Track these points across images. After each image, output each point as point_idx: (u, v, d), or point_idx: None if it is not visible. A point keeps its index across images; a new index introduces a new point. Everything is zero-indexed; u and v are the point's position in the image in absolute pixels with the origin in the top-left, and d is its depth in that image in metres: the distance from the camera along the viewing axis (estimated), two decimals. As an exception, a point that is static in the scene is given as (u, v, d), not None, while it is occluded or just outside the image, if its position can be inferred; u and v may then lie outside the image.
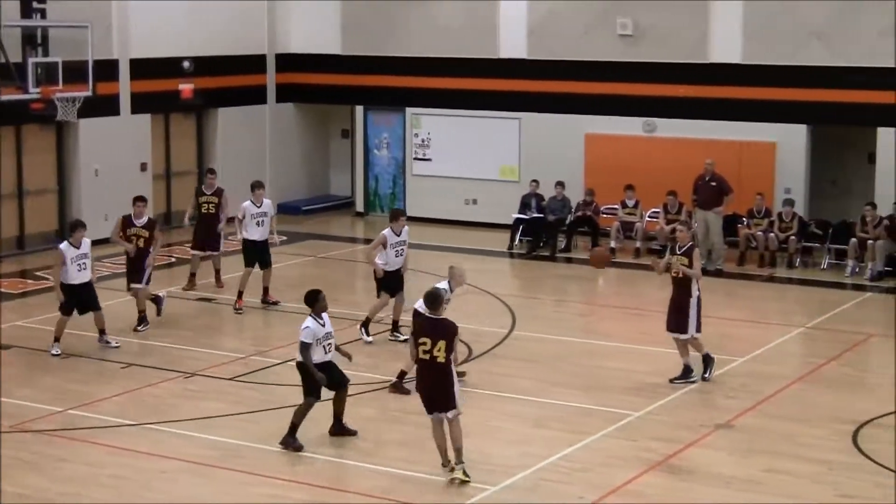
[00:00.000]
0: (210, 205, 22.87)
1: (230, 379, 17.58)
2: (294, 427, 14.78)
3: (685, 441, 15.05)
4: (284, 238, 23.90)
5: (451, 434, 13.67)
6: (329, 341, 14.82)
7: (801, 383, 17.60)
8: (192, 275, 22.98)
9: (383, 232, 19.17)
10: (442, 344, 13.44)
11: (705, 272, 24.40)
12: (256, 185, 22.00)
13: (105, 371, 18.04)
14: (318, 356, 14.69)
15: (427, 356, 13.52)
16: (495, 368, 18.22)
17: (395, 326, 19.56)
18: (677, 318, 17.35)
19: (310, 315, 14.78)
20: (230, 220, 22.87)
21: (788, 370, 18.34)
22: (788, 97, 26.33)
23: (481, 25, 29.47)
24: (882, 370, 18.61)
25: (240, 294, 21.54)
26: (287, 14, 31.77)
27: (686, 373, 17.37)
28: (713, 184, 25.18)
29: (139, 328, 19.99)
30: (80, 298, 18.84)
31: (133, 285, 20.33)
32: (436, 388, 13.61)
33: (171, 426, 15.58)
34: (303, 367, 14.74)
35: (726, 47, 26.99)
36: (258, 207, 21.68)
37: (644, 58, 27.75)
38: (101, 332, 19.25)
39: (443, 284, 16.67)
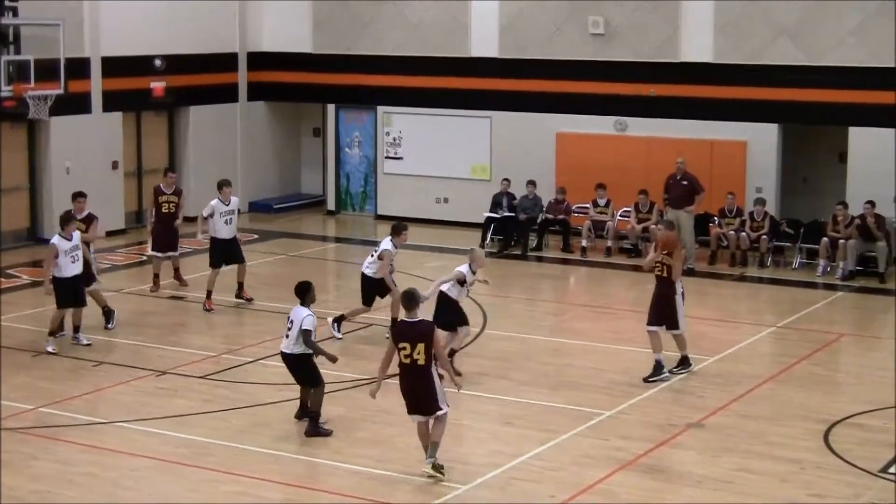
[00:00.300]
0: (170, 204, 22.54)
1: (201, 377, 17.54)
2: (317, 416, 15.22)
3: (656, 440, 15.09)
4: (255, 237, 23.78)
5: (432, 429, 13.72)
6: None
7: (773, 382, 17.66)
8: (156, 276, 22.73)
9: (387, 248, 19.19)
10: (421, 346, 13.40)
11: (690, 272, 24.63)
12: (224, 184, 21.98)
13: (76, 369, 17.98)
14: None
15: (408, 360, 13.49)
16: (466, 367, 18.18)
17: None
18: (662, 313, 17.46)
19: (302, 306, 15.11)
20: (190, 219, 22.85)
21: (760, 369, 18.40)
22: (759, 96, 26.44)
23: (453, 24, 29.49)
24: (853, 369, 18.74)
25: (209, 294, 21.48)
26: (258, 12, 31.72)
27: (658, 369, 17.44)
28: (684, 183, 25.25)
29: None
30: (74, 290, 18.84)
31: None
32: (419, 390, 13.59)
33: (142, 424, 15.55)
34: (304, 359, 15.13)
35: (697, 46, 27.09)
36: (226, 205, 21.68)
37: (615, 57, 27.82)
38: (76, 328, 19.21)
39: (463, 268, 17.66)
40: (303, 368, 15.24)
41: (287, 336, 15.17)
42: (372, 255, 19.43)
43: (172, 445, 14.80)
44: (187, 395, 16.81)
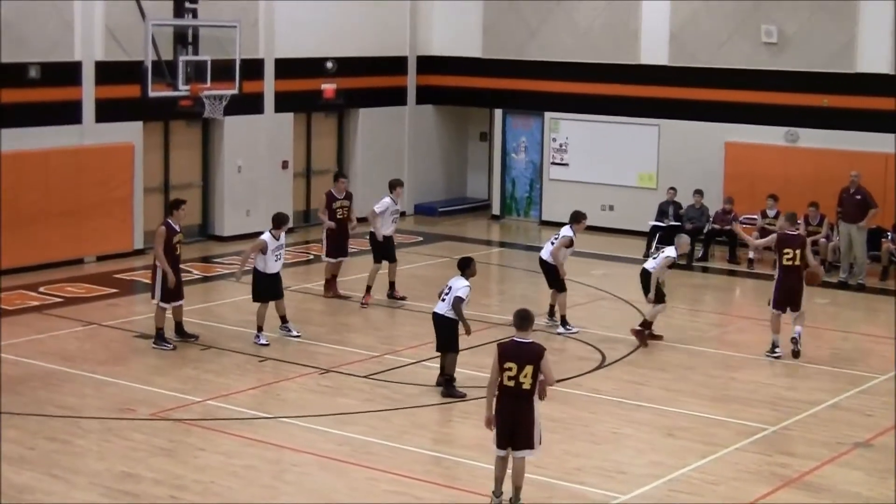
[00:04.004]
0: (343, 209, 22.42)
1: (364, 376, 17.75)
2: (452, 378, 16.85)
3: (821, 458, 14.81)
4: (420, 239, 23.93)
5: (516, 471, 12.79)
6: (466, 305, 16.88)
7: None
8: (328, 280, 22.57)
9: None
10: (529, 369, 12.43)
11: (847, 286, 24.14)
12: (398, 183, 22.52)
13: (243, 364, 18.34)
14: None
15: (512, 382, 12.50)
16: (627, 376, 18.14)
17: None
18: (794, 300, 18.91)
19: (461, 276, 16.84)
20: (361, 220, 23.13)
21: (930, 389, 17.95)
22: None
23: (622, 30, 29.35)
24: None
25: (368, 289, 21.84)
26: (429, 16, 31.99)
27: (774, 347, 18.97)
28: (858, 197, 24.73)
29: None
30: (273, 285, 19.43)
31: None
32: (518, 420, 12.59)
33: (305, 420, 15.80)
34: (452, 324, 16.74)
35: (874, 56, 26.48)
36: (396, 205, 22.18)
37: (788, 66, 27.38)
38: (283, 318, 19.74)
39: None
40: (447, 332, 16.84)
41: (443, 300, 16.87)
42: (552, 243, 20.53)
43: (334, 443, 15.00)
44: (350, 393, 17.03)
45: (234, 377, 17.67)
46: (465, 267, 17.01)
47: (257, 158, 28.03)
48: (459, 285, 16.79)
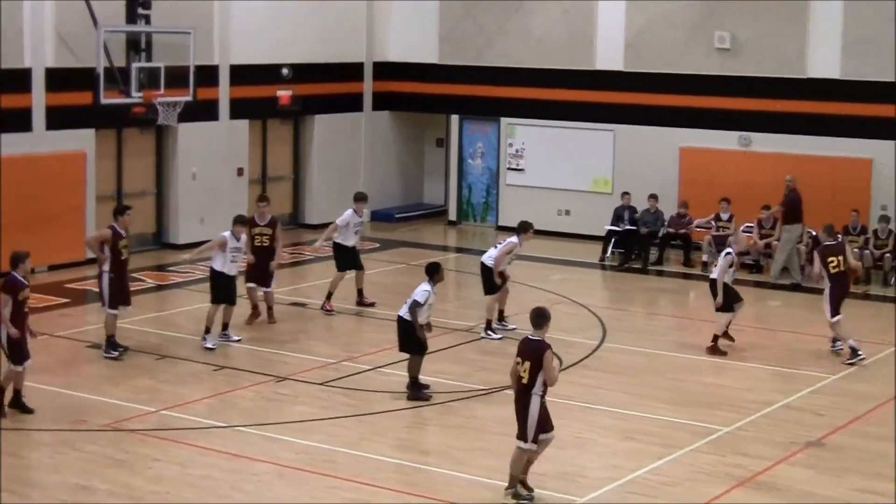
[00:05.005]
0: (264, 237, 20.79)
1: (321, 384, 17.73)
2: (415, 380, 16.94)
3: (774, 458, 14.93)
4: (377, 245, 23.95)
5: (513, 458, 13.40)
6: (430, 311, 17.07)
7: (895, 402, 17.36)
8: (254, 306, 21.08)
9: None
10: (528, 365, 13.14)
11: (799, 288, 24.35)
12: (361, 197, 22.43)
13: (198, 373, 18.28)
14: (421, 318, 16.80)
15: (518, 375, 13.31)
16: (585, 380, 18.20)
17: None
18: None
19: (428, 282, 17.01)
20: (292, 246, 22.97)
21: (882, 389, 18.10)
22: (886, 113, 26.03)
23: (578, 37, 29.46)
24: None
25: (329, 295, 21.82)
26: (385, 23, 31.99)
27: (855, 352, 19.32)
28: (791, 200, 25.07)
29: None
30: (228, 288, 19.44)
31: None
32: (517, 409, 13.33)
33: (262, 429, 15.76)
34: (407, 324, 16.83)
35: (824, 62, 26.75)
36: (359, 217, 22.17)
37: (741, 72, 27.58)
38: (226, 325, 19.73)
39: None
40: (405, 334, 16.99)
41: (406, 303, 16.99)
42: (495, 247, 20.69)
43: (292, 451, 14.97)
44: (307, 401, 17.00)
45: (190, 386, 17.60)
46: (434, 272, 17.24)
47: (212, 166, 27.94)
48: (419, 289, 17.00)
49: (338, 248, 22.18)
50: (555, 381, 13.28)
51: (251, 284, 20.80)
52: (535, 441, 13.25)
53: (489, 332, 20.34)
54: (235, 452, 14.90)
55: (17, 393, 16.17)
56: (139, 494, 13.54)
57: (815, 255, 20.28)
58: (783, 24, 27.06)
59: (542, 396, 13.22)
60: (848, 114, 26.40)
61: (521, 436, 13.28)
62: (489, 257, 20.55)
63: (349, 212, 22.12)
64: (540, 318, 13.35)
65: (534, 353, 13.15)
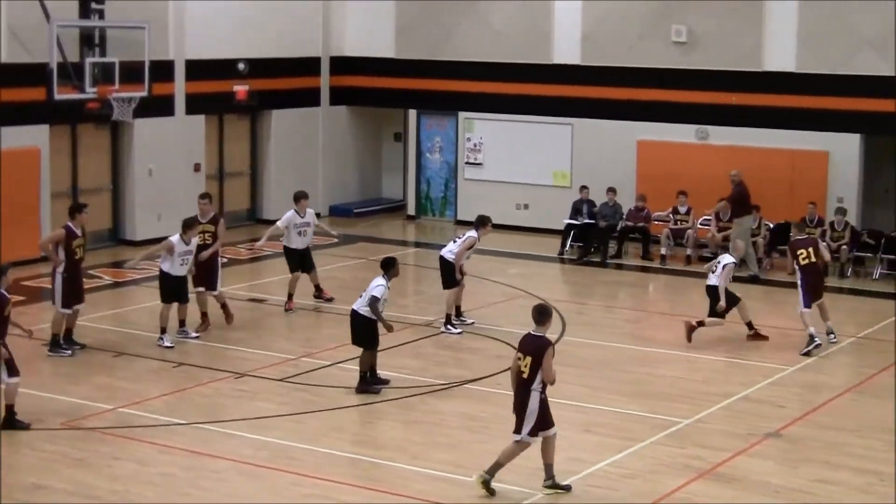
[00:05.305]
0: (206, 234, 20.15)
1: (280, 380, 17.67)
2: (364, 374, 16.97)
3: (734, 449, 14.99)
4: (336, 239, 23.84)
5: (503, 449, 13.47)
6: (385, 306, 17.14)
7: (852, 393, 17.50)
8: (203, 314, 20.34)
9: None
10: (529, 360, 13.24)
11: (757, 280, 24.49)
12: (301, 196, 21.97)
13: (157, 370, 18.18)
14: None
15: (518, 370, 13.38)
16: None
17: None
18: (820, 290, 20.02)
19: (383, 276, 17.02)
20: (251, 241, 22.72)
21: (839, 380, 18.24)
22: (842, 106, 26.18)
23: (535, 31, 29.48)
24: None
25: (290, 296, 21.69)
26: (342, 17, 31.91)
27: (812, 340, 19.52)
28: (737, 193, 25.25)
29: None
30: (178, 288, 19.27)
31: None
32: (516, 404, 13.39)
33: (222, 426, 15.68)
34: (369, 322, 16.88)
35: (780, 55, 26.88)
36: (301, 217, 21.74)
37: (698, 65, 27.68)
38: (182, 322, 19.61)
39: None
40: (359, 329, 17.01)
41: (361, 296, 17.08)
42: (454, 242, 20.68)
43: (252, 447, 14.91)
44: (266, 397, 16.94)
45: (148, 383, 17.50)
46: (389, 267, 17.26)
47: (169, 161, 27.78)
48: (375, 283, 17.01)
49: (286, 251, 21.91)
50: (551, 379, 13.29)
51: (200, 289, 20.10)
52: (532, 434, 13.28)
53: (449, 327, 20.32)
54: (194, 449, 14.83)
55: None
56: (97, 493, 13.45)
57: (788, 251, 20.79)
58: (739, 18, 27.17)
59: (542, 392, 13.27)
60: (804, 107, 26.53)
61: (517, 429, 13.34)
62: (449, 252, 20.53)
63: (289, 213, 21.69)
64: (542, 314, 13.49)
65: (535, 349, 13.25)
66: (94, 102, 24.73)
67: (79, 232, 18.78)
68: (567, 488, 13.52)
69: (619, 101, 28.49)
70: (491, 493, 13.37)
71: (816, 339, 19.41)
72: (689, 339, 19.73)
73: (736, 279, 24.22)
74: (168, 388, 17.31)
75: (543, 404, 13.32)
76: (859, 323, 21.52)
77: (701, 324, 19.86)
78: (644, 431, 15.59)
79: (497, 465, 13.45)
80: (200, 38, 28.24)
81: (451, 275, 20.47)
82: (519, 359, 13.37)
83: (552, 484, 13.49)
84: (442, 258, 20.63)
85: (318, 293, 22.16)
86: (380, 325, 17.02)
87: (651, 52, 28.13)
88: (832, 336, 19.91)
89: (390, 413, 16.36)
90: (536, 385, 13.22)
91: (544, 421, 13.34)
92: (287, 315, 21.49)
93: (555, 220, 28.32)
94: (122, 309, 22.00)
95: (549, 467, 13.52)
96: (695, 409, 16.49)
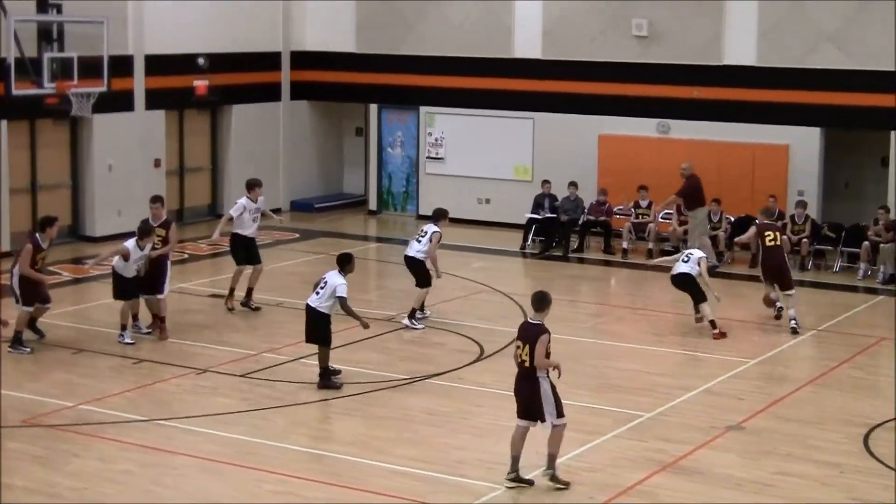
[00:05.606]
0: (157, 238, 19.63)
1: (241, 376, 17.60)
2: (325, 370, 16.93)
3: (696, 442, 15.04)
4: (296, 235, 23.75)
5: (548, 440, 13.59)
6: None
7: (813, 386, 17.59)
8: (134, 315, 19.73)
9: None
10: (527, 348, 13.33)
11: (717, 273, 24.60)
12: (256, 184, 21.59)
13: (117, 366, 18.07)
14: (330, 309, 16.87)
15: (519, 359, 13.48)
16: (507, 368, 18.14)
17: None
18: (784, 276, 20.64)
19: (339, 272, 16.93)
20: (191, 241, 22.27)
21: (800, 373, 18.34)
22: (802, 100, 26.33)
23: (496, 25, 29.48)
24: (893, 373, 18.58)
25: (231, 292, 21.26)
26: (302, 12, 31.81)
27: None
28: (688, 186, 25.35)
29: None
30: (131, 286, 19.17)
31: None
32: (525, 394, 13.48)
33: (183, 422, 15.61)
34: (325, 318, 16.84)
35: (740, 49, 27.00)
36: (255, 204, 21.41)
37: (658, 59, 27.75)
38: (135, 317, 19.50)
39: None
40: (319, 326, 16.88)
41: (317, 293, 16.90)
42: (419, 240, 20.59)
43: (214, 444, 14.85)
44: (228, 393, 16.88)
45: (109, 380, 17.41)
46: (346, 262, 17.14)
47: (129, 157, 27.63)
48: (338, 282, 16.85)
49: (235, 238, 21.32)
50: (541, 365, 13.33)
51: (148, 296, 19.49)
52: (560, 416, 13.44)
53: (413, 322, 20.29)
54: (156, 446, 14.75)
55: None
56: (58, 491, 13.36)
57: (753, 228, 21.50)
58: (700, 12, 27.26)
59: (548, 377, 13.40)
60: (765, 100, 26.65)
61: (538, 415, 13.37)
62: (419, 252, 20.42)
63: (243, 200, 21.31)
64: (541, 301, 13.54)
65: (531, 337, 13.36)
66: (53, 98, 24.57)
67: (45, 245, 18.74)
68: (566, 484, 13.53)
69: (581, 95, 28.53)
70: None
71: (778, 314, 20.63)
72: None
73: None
74: (129, 384, 17.21)
75: (554, 388, 13.46)
76: (820, 315, 21.62)
77: (706, 321, 20.08)
78: (606, 425, 15.62)
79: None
80: (160, 33, 28.08)
81: (425, 273, 20.44)
82: (518, 347, 13.45)
83: (552, 476, 13.53)
84: (412, 258, 20.54)
85: (248, 298, 21.34)
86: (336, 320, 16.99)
87: (612, 47, 28.18)
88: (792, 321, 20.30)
89: (354, 408, 16.33)
90: (540, 371, 13.33)
91: (560, 403, 13.49)
92: (243, 310, 21.27)
93: (516, 214, 28.35)
94: (82, 305, 21.88)
95: (551, 458, 13.57)
96: (657, 403, 16.54)
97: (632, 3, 27.86)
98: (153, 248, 19.41)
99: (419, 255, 20.44)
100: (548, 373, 13.42)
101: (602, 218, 27.01)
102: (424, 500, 13.22)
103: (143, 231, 19.25)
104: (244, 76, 30.41)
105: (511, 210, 28.89)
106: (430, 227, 20.63)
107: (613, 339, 20.03)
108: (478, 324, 20.59)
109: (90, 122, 26.61)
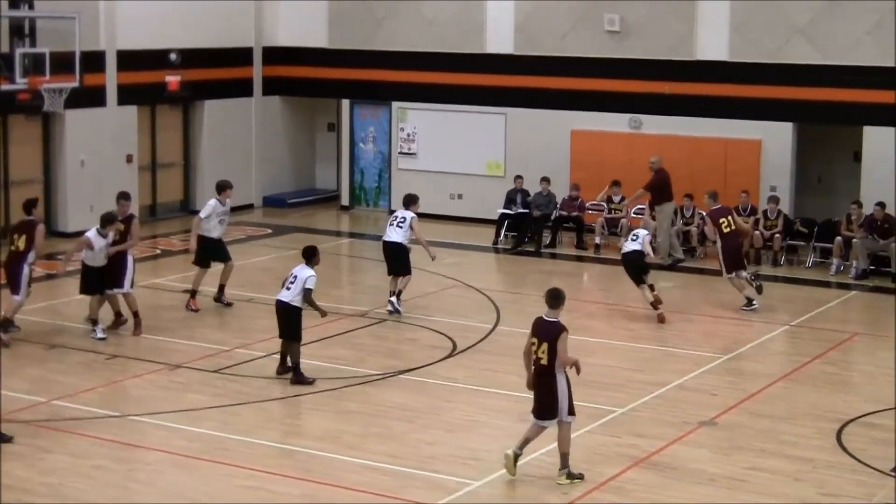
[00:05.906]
0: (118, 232, 19.44)
1: (214, 371, 17.58)
2: (297, 365, 16.92)
3: (668, 438, 15.09)
4: (269, 231, 23.69)
5: (558, 437, 13.63)
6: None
7: (785, 381, 17.66)
8: (93, 320, 19.52)
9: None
10: (545, 346, 13.31)
11: (689, 269, 24.69)
12: (227, 185, 21.31)
13: (90, 362, 18.02)
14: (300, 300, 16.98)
15: (535, 357, 13.46)
16: (479, 364, 18.24)
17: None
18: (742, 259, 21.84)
19: (307, 266, 17.05)
20: (185, 232, 22.32)
21: (772, 368, 18.41)
22: (774, 95, 26.40)
23: (468, 20, 29.48)
24: (865, 368, 18.72)
25: (193, 293, 21.06)
26: (274, 7, 31.74)
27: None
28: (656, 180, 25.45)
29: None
30: (97, 279, 19.16)
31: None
32: (542, 392, 13.50)
33: (156, 418, 15.58)
34: (297, 313, 16.88)
35: (713, 44, 27.06)
36: (223, 206, 21.21)
37: (631, 54, 27.80)
38: (94, 322, 19.37)
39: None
40: (292, 321, 16.92)
41: (288, 288, 17.00)
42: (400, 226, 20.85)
43: (186, 439, 14.83)
44: (201, 389, 16.85)
45: (82, 376, 17.35)
46: (312, 255, 17.30)
47: (101, 152, 27.54)
48: (306, 275, 16.99)
49: (202, 240, 21.04)
50: (566, 363, 13.38)
51: (109, 291, 19.36)
52: (571, 413, 13.51)
53: (397, 304, 20.60)
54: (129, 442, 14.73)
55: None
56: (31, 486, 13.32)
57: (707, 218, 22.01)
58: (672, 7, 27.31)
59: (565, 373, 13.45)
60: (737, 95, 26.73)
61: (552, 414, 13.44)
62: (401, 237, 20.68)
63: (212, 202, 21.07)
64: (556, 298, 13.50)
65: (550, 335, 13.33)
66: (25, 93, 24.51)
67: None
68: (580, 477, 13.61)
69: (553, 90, 28.56)
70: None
71: (755, 303, 21.13)
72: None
73: (666, 267, 24.48)
74: (102, 380, 17.17)
75: (570, 386, 13.51)
76: (792, 311, 21.72)
77: (657, 308, 20.58)
78: (579, 421, 15.49)
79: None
80: (132, 29, 27.98)
81: (407, 261, 20.74)
82: (533, 343, 13.42)
83: (568, 474, 13.56)
84: (397, 244, 20.71)
85: (220, 294, 21.24)
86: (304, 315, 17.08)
87: (584, 42, 28.21)
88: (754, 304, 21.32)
89: (326, 404, 16.32)
90: (558, 369, 13.36)
91: (572, 401, 13.54)
92: (216, 305, 21.21)
93: (489, 209, 28.37)
94: (55, 301, 21.79)
95: (564, 457, 13.60)
96: (629, 398, 16.58)
97: (604, -1, 27.92)
98: (113, 244, 19.26)
99: (405, 242, 20.62)
100: (565, 370, 13.47)
101: (574, 213, 27.05)
102: (396, 495, 13.24)
103: (106, 219, 19.19)
104: (216, 72, 30.34)
105: (483, 205, 28.91)
106: (407, 213, 20.79)
107: (586, 335, 20.00)
108: (450, 319, 20.60)
109: (62, 117, 26.50)
